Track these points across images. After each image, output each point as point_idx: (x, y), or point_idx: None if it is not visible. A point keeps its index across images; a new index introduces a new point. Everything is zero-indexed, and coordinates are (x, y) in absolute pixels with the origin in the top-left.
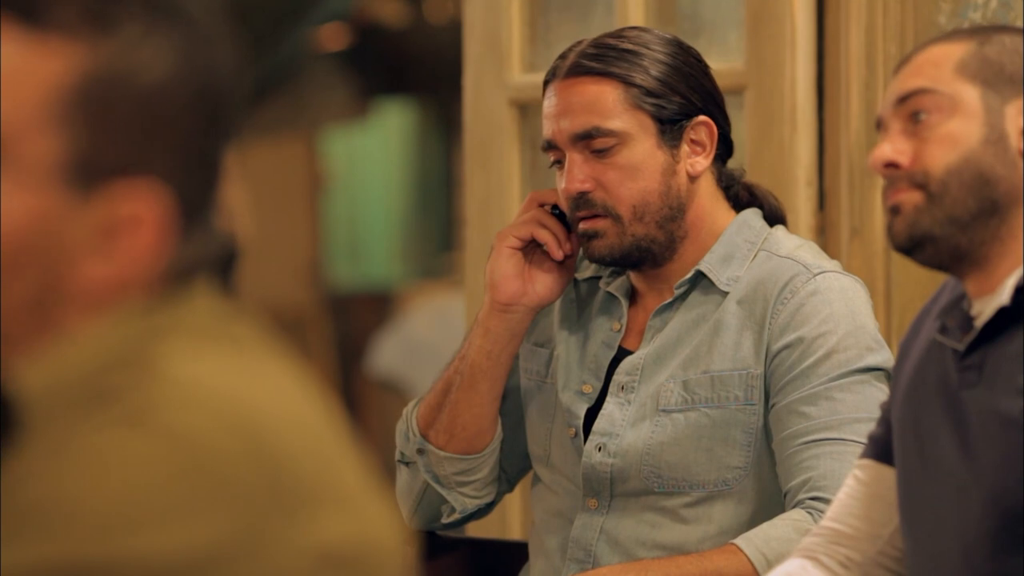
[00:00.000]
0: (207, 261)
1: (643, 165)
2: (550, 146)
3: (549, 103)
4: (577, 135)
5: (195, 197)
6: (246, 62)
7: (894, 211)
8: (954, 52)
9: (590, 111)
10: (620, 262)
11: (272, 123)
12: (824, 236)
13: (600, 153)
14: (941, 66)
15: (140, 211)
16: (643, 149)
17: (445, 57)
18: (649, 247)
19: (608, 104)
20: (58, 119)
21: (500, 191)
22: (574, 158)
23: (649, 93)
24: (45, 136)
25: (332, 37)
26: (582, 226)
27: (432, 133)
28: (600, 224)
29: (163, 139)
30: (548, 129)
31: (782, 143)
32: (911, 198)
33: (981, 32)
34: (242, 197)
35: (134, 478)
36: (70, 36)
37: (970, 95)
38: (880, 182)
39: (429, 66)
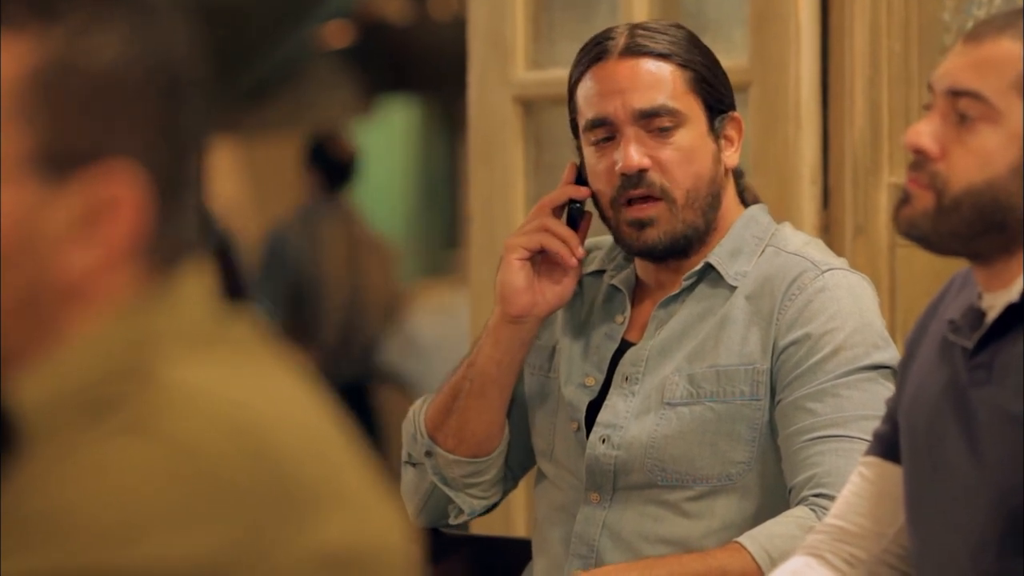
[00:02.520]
0: (195, 243)
1: (698, 149)
2: (601, 123)
3: (602, 83)
4: (643, 111)
5: (171, 173)
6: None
7: (905, 196)
8: (1019, 58)
9: (657, 88)
10: (669, 249)
11: (275, 121)
12: (828, 234)
13: (659, 132)
14: (1003, 73)
15: (116, 192)
16: (698, 133)
17: (449, 54)
18: (693, 236)
19: (671, 83)
20: (19, 112)
21: (504, 188)
22: (632, 135)
23: (702, 79)
24: (11, 131)
25: (336, 34)
26: (633, 214)
27: (436, 130)
28: (653, 211)
29: (126, 119)
30: (603, 107)
31: (786, 141)
32: (923, 198)
33: None
34: (246, 195)
35: (136, 486)
36: (19, 30)
37: (1017, 115)
38: (885, 180)
39: (433, 63)
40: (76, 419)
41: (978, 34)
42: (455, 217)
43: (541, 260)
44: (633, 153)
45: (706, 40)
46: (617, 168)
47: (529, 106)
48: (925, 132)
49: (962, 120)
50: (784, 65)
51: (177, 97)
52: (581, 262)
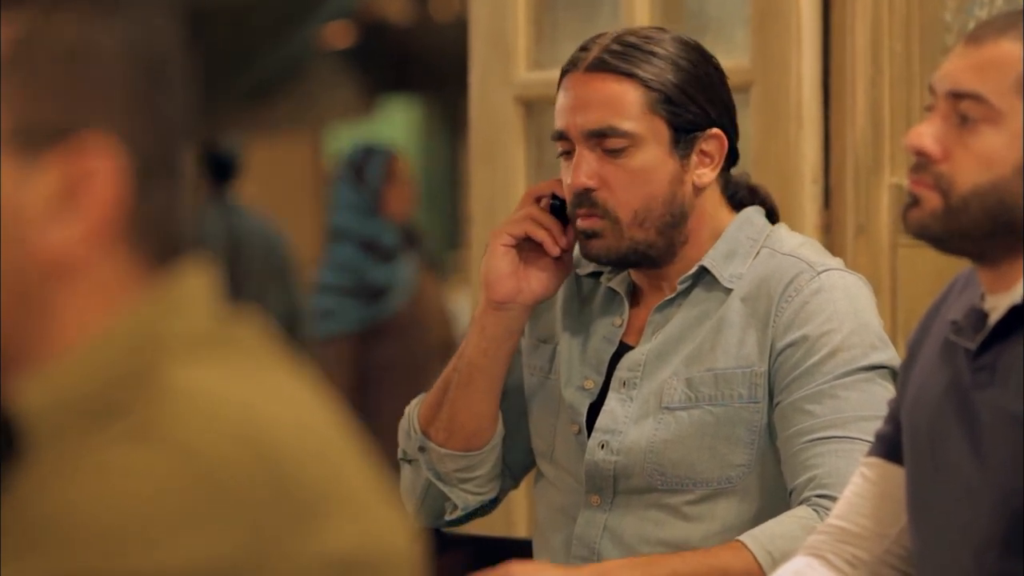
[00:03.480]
0: (194, 241)
1: (652, 171)
2: (561, 137)
3: (566, 95)
4: (591, 131)
5: (153, 152)
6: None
7: (913, 199)
8: (1020, 59)
9: (607, 109)
10: (616, 263)
11: (277, 121)
12: (829, 234)
13: (611, 153)
14: (1004, 74)
15: (92, 164)
16: (654, 155)
17: (450, 54)
18: (647, 252)
19: (626, 105)
20: None
21: (506, 189)
22: (584, 154)
23: (668, 100)
24: None
25: (337, 35)
26: (580, 223)
27: (438, 131)
28: (599, 224)
29: (100, 93)
30: (561, 121)
31: (788, 140)
32: (930, 200)
33: None
34: (248, 194)
35: (141, 492)
36: None
37: (1018, 116)
38: (886, 180)
39: (434, 64)
40: (80, 424)
41: (979, 36)
42: (456, 218)
43: (528, 249)
44: (578, 173)
45: (707, 40)
46: (568, 183)
47: (530, 106)
48: (927, 134)
49: (964, 122)
50: (786, 65)
51: (158, 79)
52: (569, 253)
